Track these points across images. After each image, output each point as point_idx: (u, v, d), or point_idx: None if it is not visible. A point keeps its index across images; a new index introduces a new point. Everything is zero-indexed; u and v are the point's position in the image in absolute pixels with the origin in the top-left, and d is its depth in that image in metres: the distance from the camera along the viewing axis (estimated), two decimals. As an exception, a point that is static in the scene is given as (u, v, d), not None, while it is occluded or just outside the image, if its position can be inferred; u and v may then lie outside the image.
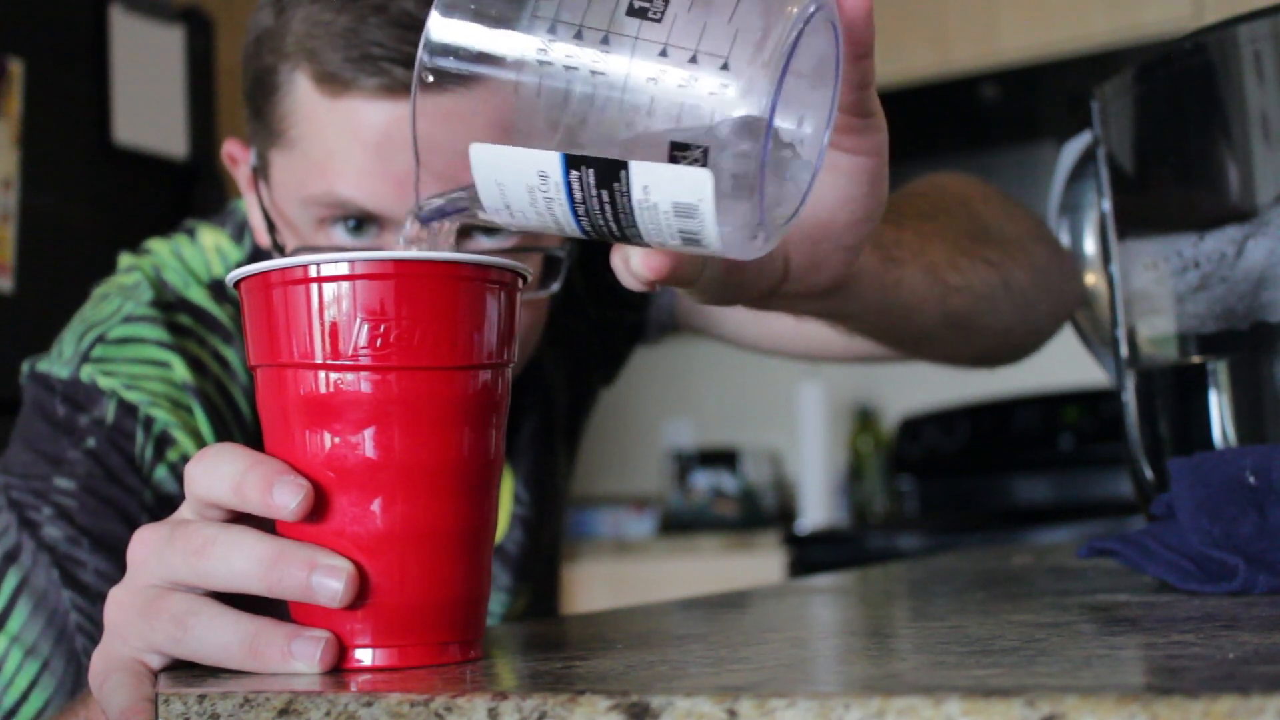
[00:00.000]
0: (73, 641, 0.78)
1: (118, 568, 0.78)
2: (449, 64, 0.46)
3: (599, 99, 0.45)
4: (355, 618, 0.49)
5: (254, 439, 0.82)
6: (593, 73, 0.44)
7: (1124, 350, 0.77)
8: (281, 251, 0.82)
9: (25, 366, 0.87)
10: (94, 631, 0.78)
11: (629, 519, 3.18)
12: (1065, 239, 0.95)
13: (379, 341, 0.48)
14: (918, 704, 0.33)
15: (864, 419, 3.20)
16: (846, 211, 0.59)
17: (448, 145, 0.47)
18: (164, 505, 0.82)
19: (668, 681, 0.40)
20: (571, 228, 0.47)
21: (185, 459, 0.83)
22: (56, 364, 0.85)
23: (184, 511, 0.53)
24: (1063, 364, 2.18)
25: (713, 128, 0.44)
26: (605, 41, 0.44)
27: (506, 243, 0.79)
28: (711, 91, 0.44)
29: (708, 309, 1.03)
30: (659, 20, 0.44)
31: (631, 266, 0.51)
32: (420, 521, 0.49)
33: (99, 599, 0.78)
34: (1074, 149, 0.93)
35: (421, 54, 0.46)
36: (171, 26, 2.22)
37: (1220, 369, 0.68)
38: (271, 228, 0.82)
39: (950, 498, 3.06)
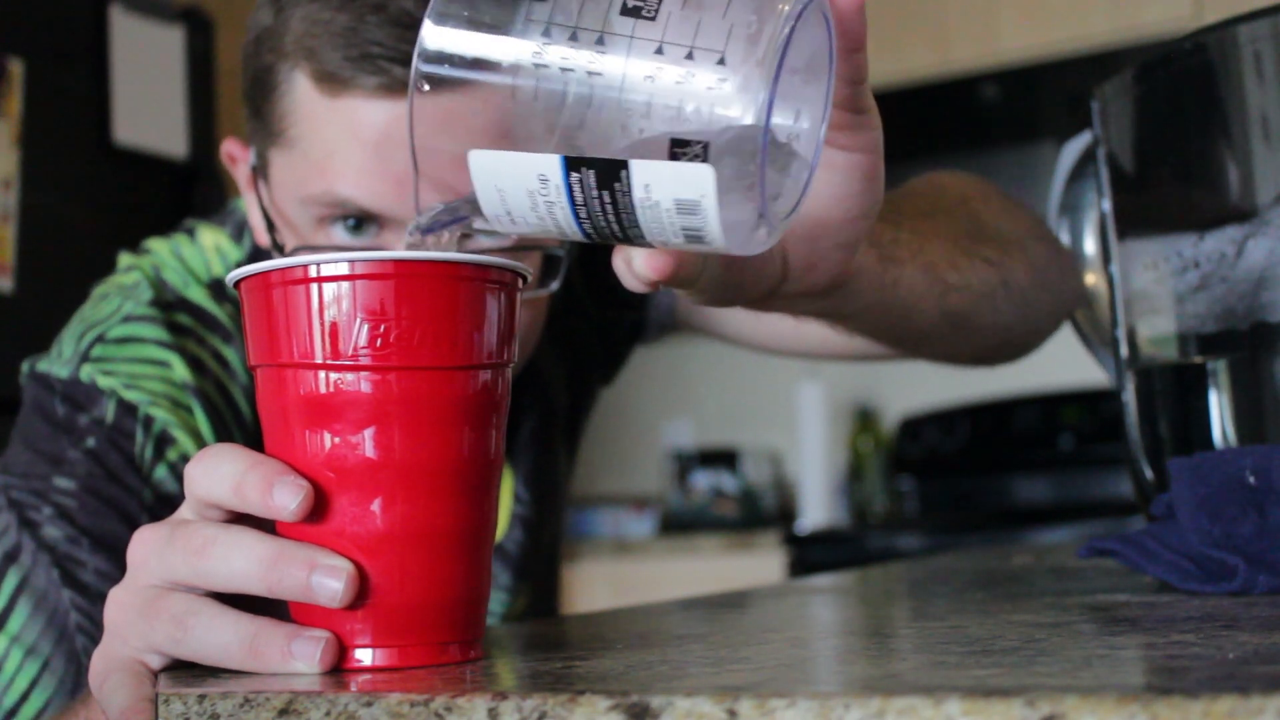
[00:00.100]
0: (73, 641, 0.78)
1: (118, 567, 0.78)
2: (444, 71, 0.46)
3: (596, 99, 0.45)
4: (355, 618, 0.49)
5: (254, 438, 0.82)
6: (589, 73, 0.44)
7: (1124, 350, 0.77)
8: (281, 250, 0.82)
9: (25, 366, 0.87)
10: (94, 631, 0.78)
11: (629, 519, 3.18)
12: (1065, 239, 0.95)
13: (379, 341, 0.48)
14: (918, 704, 0.33)
15: (864, 419, 3.20)
16: (843, 209, 0.59)
17: (446, 152, 0.47)
18: (164, 504, 0.82)
19: (668, 681, 0.40)
20: (573, 230, 0.47)
21: (185, 458, 0.83)
22: (56, 364, 0.85)
23: (184, 512, 0.53)
24: (1063, 364, 2.18)
25: (712, 123, 0.44)
26: (600, 42, 0.44)
27: (505, 241, 0.79)
28: (709, 87, 0.44)
29: (707, 308, 1.03)
30: (653, 18, 0.44)
31: (634, 267, 0.51)
32: (420, 521, 0.49)
33: (99, 599, 0.78)
34: (1074, 149, 0.93)
35: (416, 62, 0.46)
36: (171, 26, 2.22)
37: (1220, 369, 0.68)
38: (271, 227, 0.82)
39: (950, 498, 3.06)
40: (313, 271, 0.49)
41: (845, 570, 1.20)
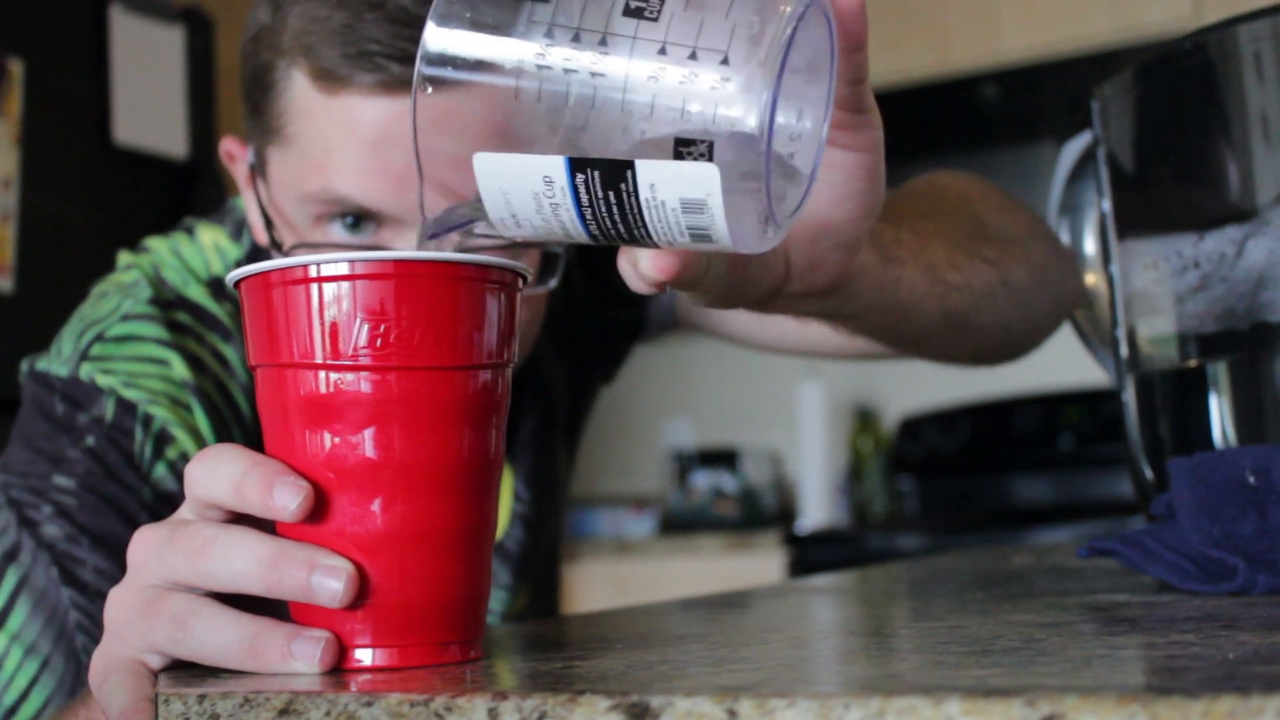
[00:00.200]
0: (72, 640, 0.78)
1: (117, 566, 0.78)
2: (447, 73, 0.46)
3: (600, 100, 0.44)
4: (355, 618, 0.49)
5: (253, 437, 0.82)
6: (592, 74, 0.44)
7: (1124, 350, 0.77)
8: (279, 248, 0.82)
9: (24, 365, 0.87)
10: (94, 630, 0.78)
11: (629, 519, 3.19)
12: (1065, 239, 0.95)
13: (379, 341, 0.48)
14: (918, 704, 0.33)
15: (864, 419, 3.20)
16: (844, 208, 0.59)
17: (449, 154, 0.47)
18: (163, 503, 0.82)
19: (668, 681, 0.40)
20: (579, 232, 0.47)
21: (184, 457, 0.83)
22: (55, 362, 0.85)
23: (184, 512, 0.53)
24: (1063, 364, 2.18)
25: (715, 122, 0.44)
26: (603, 43, 0.44)
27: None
28: (713, 86, 0.44)
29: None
30: (656, 19, 0.44)
31: (640, 269, 0.51)
32: (420, 521, 0.49)
33: (98, 597, 0.78)
34: (1074, 149, 0.93)
35: (420, 65, 0.46)
36: (171, 26, 2.21)
37: (1220, 369, 0.68)
38: (269, 225, 0.82)
39: (950, 498, 3.06)
40: (313, 271, 0.49)
41: (845, 570, 1.20)
